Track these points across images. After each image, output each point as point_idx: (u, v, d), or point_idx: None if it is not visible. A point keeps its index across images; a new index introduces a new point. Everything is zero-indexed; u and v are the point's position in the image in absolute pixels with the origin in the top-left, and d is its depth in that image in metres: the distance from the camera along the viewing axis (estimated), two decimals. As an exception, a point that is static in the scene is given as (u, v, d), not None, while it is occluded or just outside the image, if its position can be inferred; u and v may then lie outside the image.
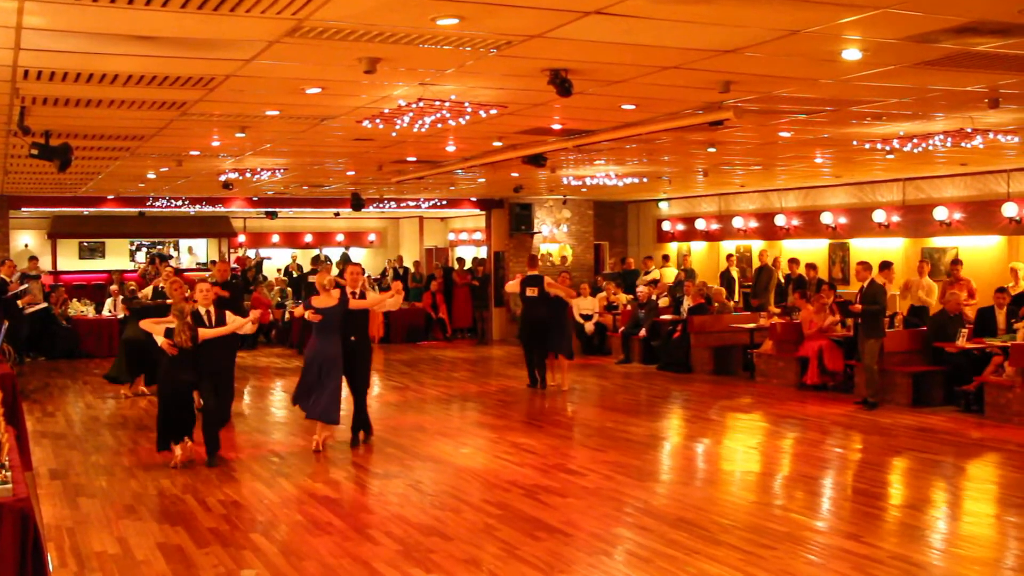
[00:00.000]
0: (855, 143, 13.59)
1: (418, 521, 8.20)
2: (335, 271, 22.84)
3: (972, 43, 7.32)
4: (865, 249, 19.81)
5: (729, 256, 22.94)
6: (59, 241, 28.48)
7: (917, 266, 17.05)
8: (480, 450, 11.15)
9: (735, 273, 22.44)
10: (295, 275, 29.24)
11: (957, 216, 18.26)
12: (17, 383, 9.43)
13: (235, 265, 25.62)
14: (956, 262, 16.78)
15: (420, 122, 10.19)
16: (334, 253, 31.66)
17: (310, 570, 6.96)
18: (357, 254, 32.10)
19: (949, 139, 12.14)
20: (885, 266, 14.76)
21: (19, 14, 6.25)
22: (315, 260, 29.03)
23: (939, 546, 7.65)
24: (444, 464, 10.47)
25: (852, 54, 7.72)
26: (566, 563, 7.08)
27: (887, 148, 13.45)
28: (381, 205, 25.74)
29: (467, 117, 10.09)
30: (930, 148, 12.82)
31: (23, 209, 23.92)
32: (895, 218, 19.54)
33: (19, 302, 17.53)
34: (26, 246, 27.64)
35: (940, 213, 18.40)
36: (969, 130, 11.77)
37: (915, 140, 12.55)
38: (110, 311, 21.15)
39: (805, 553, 7.29)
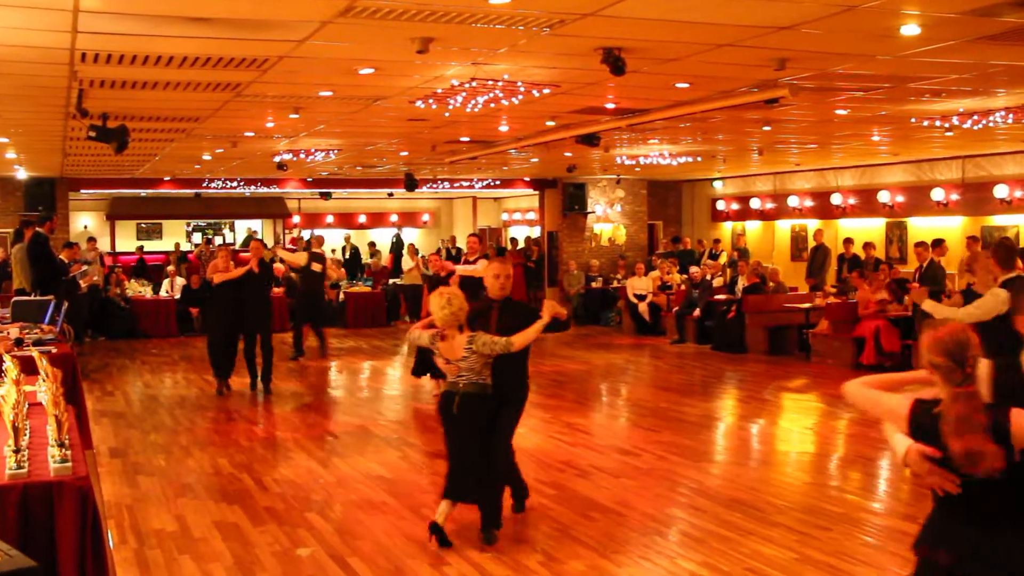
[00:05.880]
0: (913, 120, 13.36)
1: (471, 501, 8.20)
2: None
3: (1036, 16, 7.16)
4: (923, 228, 19.51)
5: None
6: (117, 222, 28.92)
7: (966, 244, 16.70)
8: (534, 430, 11.14)
9: None
10: (347, 255, 29.45)
11: (1018, 194, 17.91)
12: (77, 363, 9.57)
13: (291, 245, 25.79)
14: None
15: (473, 102, 10.17)
16: (385, 233, 31.81)
17: (365, 549, 7.01)
18: (411, 234, 32.18)
19: (1011, 115, 11.92)
20: (937, 243, 14.53)
21: (76, -2, 6.33)
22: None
23: (999, 529, 7.53)
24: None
25: (911, 29, 7.58)
26: (619, 543, 7.07)
27: (946, 125, 13.22)
28: (434, 185, 25.78)
29: (520, 97, 10.06)
30: (991, 125, 12.58)
31: (82, 191, 24.33)
32: (954, 196, 19.22)
33: (80, 282, 17.84)
34: (85, 227, 28.10)
35: (1001, 191, 18.08)
36: (1032, 106, 11.56)
37: (975, 117, 12.33)
38: (167, 292, 21.48)
39: (861, 535, 7.22)
